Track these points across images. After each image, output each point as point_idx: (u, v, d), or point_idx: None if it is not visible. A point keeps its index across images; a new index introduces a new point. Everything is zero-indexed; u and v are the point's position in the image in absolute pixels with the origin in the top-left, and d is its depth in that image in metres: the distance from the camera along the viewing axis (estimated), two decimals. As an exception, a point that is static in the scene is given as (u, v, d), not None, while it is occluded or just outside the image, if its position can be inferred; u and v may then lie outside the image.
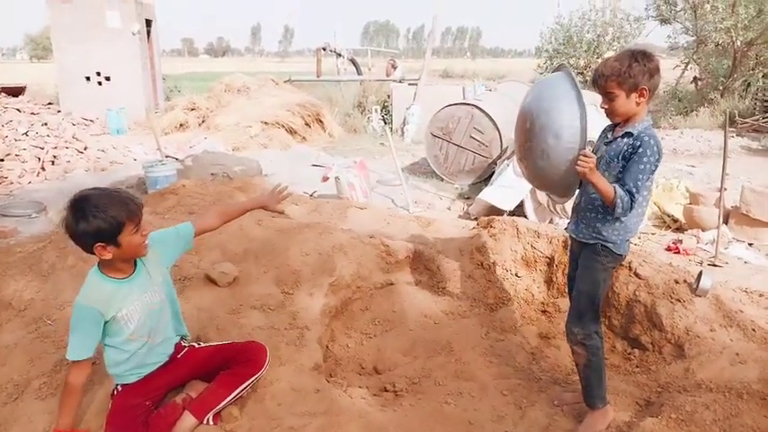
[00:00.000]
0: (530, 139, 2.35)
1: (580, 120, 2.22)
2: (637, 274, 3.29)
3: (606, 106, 2.35)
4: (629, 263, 3.32)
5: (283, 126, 11.53)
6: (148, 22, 14.17)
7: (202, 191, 3.87)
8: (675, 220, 6.36)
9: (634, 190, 2.22)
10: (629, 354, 3.20)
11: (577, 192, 2.55)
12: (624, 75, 2.24)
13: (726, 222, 5.96)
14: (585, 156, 2.18)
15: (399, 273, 3.60)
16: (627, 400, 2.76)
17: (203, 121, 12.18)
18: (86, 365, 2.23)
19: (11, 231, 5.79)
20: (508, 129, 8.17)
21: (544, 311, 3.55)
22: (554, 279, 3.63)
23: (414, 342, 3.14)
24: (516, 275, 3.69)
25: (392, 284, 3.51)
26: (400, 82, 14.45)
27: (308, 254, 3.34)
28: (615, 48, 20.73)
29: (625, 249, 2.47)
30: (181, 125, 12.09)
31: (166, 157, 9.07)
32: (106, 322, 2.18)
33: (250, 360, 2.42)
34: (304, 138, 11.85)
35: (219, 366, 2.41)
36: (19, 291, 2.99)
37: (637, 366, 3.09)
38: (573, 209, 2.61)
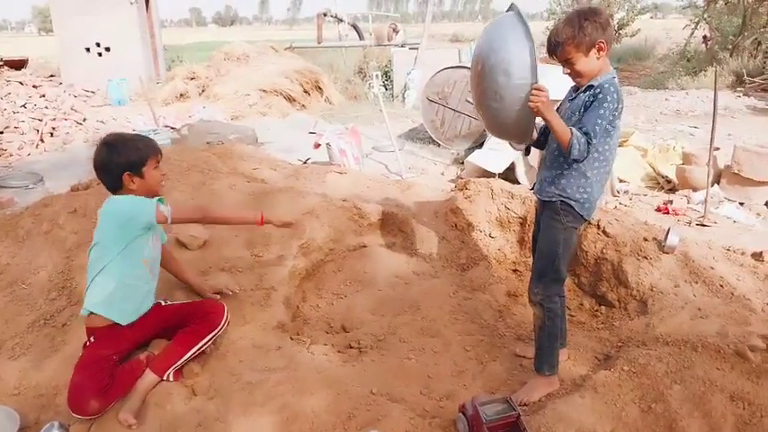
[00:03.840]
0: (482, 82, 2.28)
1: (529, 53, 2.14)
2: (605, 232, 3.30)
3: (569, 71, 2.33)
4: (598, 221, 3.33)
5: (282, 94, 11.50)
6: (147, -8, 14.08)
7: (179, 157, 3.91)
8: (669, 181, 6.32)
9: (591, 133, 2.19)
10: (597, 311, 3.24)
11: (542, 151, 2.54)
12: (579, 36, 2.23)
13: (718, 182, 5.91)
14: (538, 89, 2.13)
15: (372, 235, 3.64)
16: (587, 354, 2.81)
17: (203, 91, 12.18)
18: (177, 207, 2.47)
19: (7, 202, 5.90)
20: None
21: (515, 270, 3.58)
22: (526, 238, 3.65)
23: (382, 301, 3.19)
24: (490, 236, 3.72)
25: (365, 247, 3.55)
26: (402, 47, 14.26)
27: (279, 217, 3.38)
28: (626, 8, 20.30)
29: (588, 212, 2.44)
30: (181, 95, 12.11)
31: (164, 126, 9.14)
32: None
33: (207, 317, 2.49)
34: (303, 105, 11.81)
35: (179, 324, 2.49)
36: (-4, 256, 3.08)
37: (602, 323, 3.12)
38: (538, 168, 2.61)
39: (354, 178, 4.42)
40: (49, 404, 2.37)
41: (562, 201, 2.42)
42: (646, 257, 3.14)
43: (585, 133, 2.19)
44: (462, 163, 7.57)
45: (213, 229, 3.21)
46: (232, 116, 10.47)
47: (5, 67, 14.26)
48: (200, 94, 12.05)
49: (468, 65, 8.34)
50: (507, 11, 2.40)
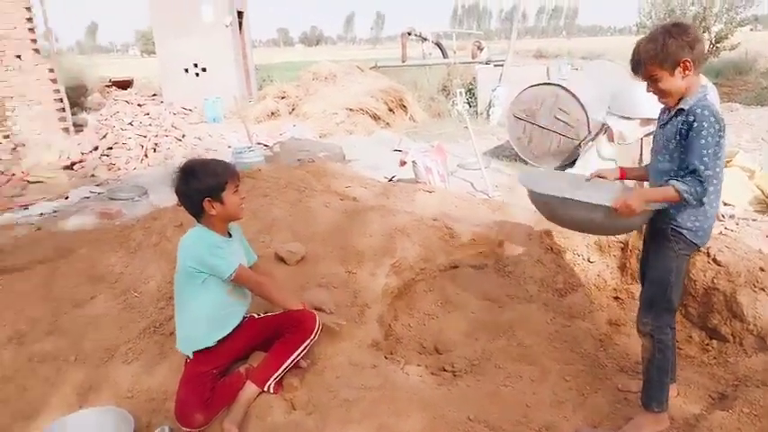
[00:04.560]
0: (587, 229, 2.64)
1: (578, 214, 2.34)
2: (715, 261, 3.09)
3: (653, 89, 2.24)
4: (708, 248, 3.12)
5: (367, 112, 11.71)
6: (240, 14, 14.79)
7: (277, 175, 4.04)
8: (781, 205, 5.86)
9: (702, 167, 2.08)
10: (707, 345, 3.02)
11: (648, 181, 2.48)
12: (662, 54, 2.13)
13: (840, 207, 5.43)
14: (617, 209, 2.18)
15: (464, 255, 3.59)
16: (699, 392, 2.62)
17: (293, 109, 12.61)
18: (245, 270, 2.47)
19: (116, 213, 6.34)
20: (595, 109, 7.82)
21: (616, 298, 3.42)
22: (628, 264, 3.48)
23: (475, 324, 3.14)
24: (588, 261, 3.58)
25: (456, 267, 3.51)
26: (486, 64, 14.18)
27: (371, 235, 3.41)
28: (723, 20, 19.19)
29: (702, 239, 2.31)
30: (272, 113, 12.59)
31: (257, 144, 9.52)
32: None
33: (300, 326, 2.51)
34: (388, 123, 11.97)
35: (273, 335, 2.55)
36: (110, 266, 3.30)
37: (714, 358, 2.91)
38: None
39: (442, 197, 4.40)
40: (160, 408, 2.50)
41: (673, 229, 2.30)
42: (764, 289, 2.91)
43: (693, 171, 2.10)
44: (551, 182, 7.38)
45: (311, 245, 3.29)
46: (320, 134, 10.75)
47: (114, 87, 15.44)
48: (290, 113, 12.48)
49: (556, 81, 8.19)
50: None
